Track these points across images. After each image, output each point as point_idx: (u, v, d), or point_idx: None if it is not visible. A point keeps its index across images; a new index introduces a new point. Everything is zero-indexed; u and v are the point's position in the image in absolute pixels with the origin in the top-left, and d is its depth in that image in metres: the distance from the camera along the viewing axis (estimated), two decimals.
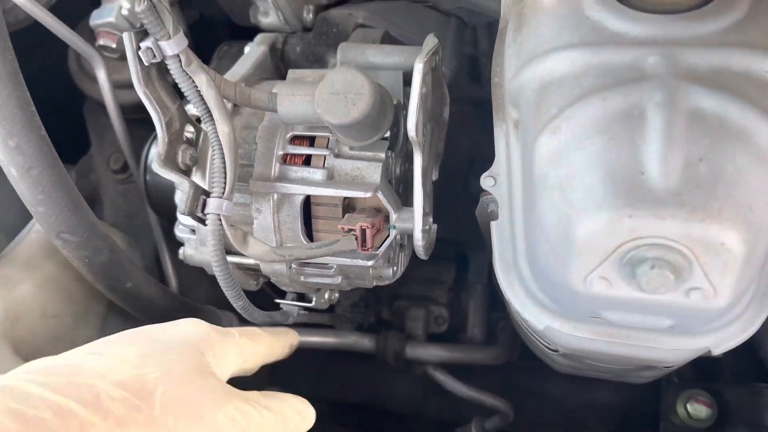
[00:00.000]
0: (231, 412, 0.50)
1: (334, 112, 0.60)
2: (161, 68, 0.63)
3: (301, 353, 1.05)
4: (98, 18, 0.89)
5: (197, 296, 0.99)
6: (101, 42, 0.90)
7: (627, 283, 0.47)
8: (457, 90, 0.84)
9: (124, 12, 0.57)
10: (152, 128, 1.00)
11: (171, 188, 0.77)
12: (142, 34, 0.60)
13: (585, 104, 0.48)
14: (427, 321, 1.06)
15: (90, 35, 0.94)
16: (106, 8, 0.89)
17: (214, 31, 1.09)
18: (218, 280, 0.63)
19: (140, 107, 0.99)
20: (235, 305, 0.66)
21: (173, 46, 0.59)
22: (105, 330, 0.77)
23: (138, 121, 0.95)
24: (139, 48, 0.60)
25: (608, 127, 0.46)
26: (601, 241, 0.46)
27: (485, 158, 1.11)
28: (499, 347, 1.04)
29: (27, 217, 0.98)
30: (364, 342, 1.03)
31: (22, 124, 0.58)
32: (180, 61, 0.60)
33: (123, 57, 0.92)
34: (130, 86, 0.95)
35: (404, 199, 0.72)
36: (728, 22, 0.50)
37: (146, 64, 0.60)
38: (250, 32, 0.97)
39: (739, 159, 0.44)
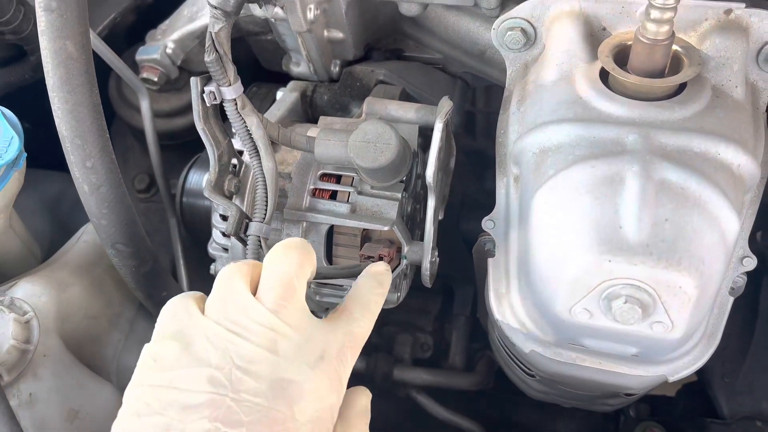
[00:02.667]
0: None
1: (364, 158, 0.71)
2: (217, 109, 0.73)
3: None
4: (144, 54, 0.99)
5: None
6: (144, 75, 1.00)
7: (604, 315, 0.58)
8: (454, 132, 0.96)
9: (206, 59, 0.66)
10: (178, 154, 1.10)
11: (205, 211, 0.87)
12: (206, 79, 0.71)
13: (577, 169, 0.60)
14: (413, 346, 1.17)
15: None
16: (151, 47, 0.99)
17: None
18: None
19: (169, 135, 1.09)
20: None
21: (232, 91, 0.70)
22: (133, 333, 0.85)
23: (166, 147, 1.05)
24: (203, 91, 0.70)
25: (595, 189, 0.58)
26: (585, 279, 0.57)
27: (474, 201, 1.23)
28: (478, 375, 1.14)
29: (54, 224, 1.07)
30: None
31: (99, 149, 0.67)
32: (236, 104, 0.71)
33: (162, 89, 1.03)
34: (165, 116, 1.06)
35: (411, 232, 0.83)
36: (692, 111, 0.63)
37: (207, 105, 0.71)
38: (273, 75, 1.08)
39: (695, 222, 0.56)
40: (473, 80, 1.01)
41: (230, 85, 0.70)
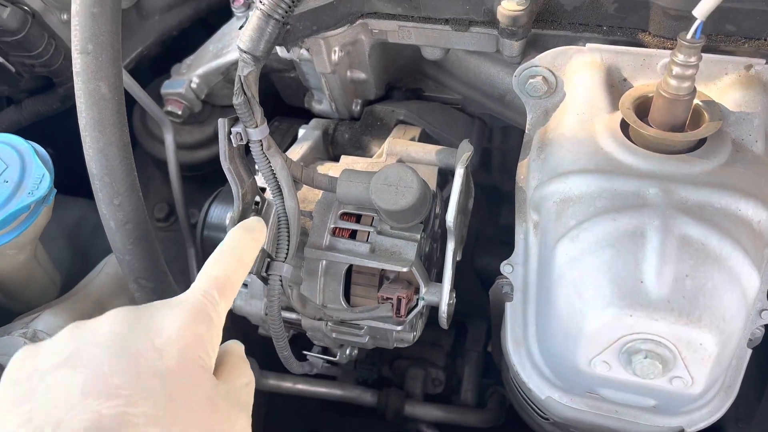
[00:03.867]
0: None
1: (386, 200, 0.72)
2: (242, 148, 0.75)
3: (295, 401, 1.14)
4: (169, 88, 1.01)
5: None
6: (169, 108, 1.02)
7: (624, 368, 0.59)
8: (471, 166, 0.97)
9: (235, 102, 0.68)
10: (199, 184, 1.11)
11: None
12: (233, 120, 0.72)
13: (599, 221, 0.61)
14: (425, 381, 1.16)
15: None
16: (176, 81, 1.01)
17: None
18: (271, 331, 0.74)
19: (191, 167, 1.11)
20: (280, 354, 0.77)
21: (258, 133, 0.71)
22: None
23: (187, 177, 1.06)
24: (230, 132, 0.72)
25: (616, 242, 0.59)
26: (606, 332, 0.58)
27: (489, 237, 1.24)
28: (489, 412, 1.14)
29: (74, 250, 1.08)
30: (366, 396, 1.13)
31: (126, 186, 0.68)
32: (262, 145, 0.72)
33: (185, 122, 1.05)
34: (188, 148, 1.07)
35: (428, 271, 0.84)
36: (712, 165, 0.64)
37: (234, 145, 0.72)
38: (293, 109, 1.10)
39: (716, 278, 0.57)
40: (491, 120, 1.02)
41: (257, 126, 0.71)
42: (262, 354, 1.05)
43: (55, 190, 0.73)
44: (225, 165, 0.73)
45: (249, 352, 1.00)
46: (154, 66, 1.14)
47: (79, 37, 0.65)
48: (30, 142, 0.75)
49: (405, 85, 1.00)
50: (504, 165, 1.17)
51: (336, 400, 1.12)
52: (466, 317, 1.21)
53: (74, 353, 0.46)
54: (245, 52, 0.68)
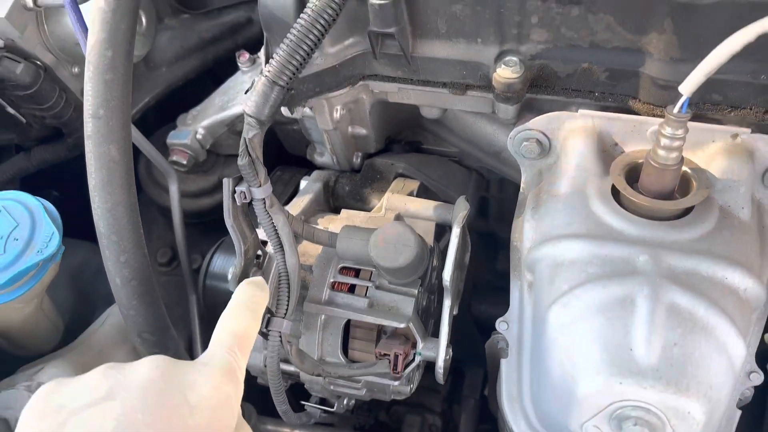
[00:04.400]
0: None
1: (384, 258, 0.74)
2: (246, 206, 0.77)
3: None
4: (175, 138, 1.04)
5: None
6: (174, 158, 1.04)
7: None
8: (468, 219, 0.99)
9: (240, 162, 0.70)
10: (201, 231, 1.13)
11: (227, 295, 0.89)
12: (237, 179, 0.75)
13: (590, 288, 0.62)
14: (421, 428, 1.17)
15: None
16: (182, 131, 1.04)
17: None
18: (270, 386, 0.75)
19: (195, 215, 1.13)
20: (278, 408, 0.78)
21: (262, 192, 0.74)
22: None
23: (190, 224, 1.08)
24: (234, 191, 0.74)
25: (607, 309, 0.61)
26: (596, 399, 0.59)
27: (486, 283, 1.25)
28: None
29: (76, 293, 1.09)
30: None
31: (133, 244, 0.71)
32: (265, 203, 0.75)
33: (189, 171, 1.07)
34: (191, 196, 1.10)
35: (425, 323, 0.86)
36: (700, 232, 0.66)
37: (238, 204, 0.74)
38: (295, 157, 1.12)
39: (704, 347, 0.58)
40: (488, 173, 1.05)
41: (260, 186, 0.73)
42: (261, 401, 1.06)
43: (63, 248, 0.75)
44: (229, 222, 0.75)
45: (247, 399, 1.01)
46: (160, 113, 1.17)
47: (91, 102, 0.67)
48: (40, 199, 0.77)
49: (404, 138, 1.03)
50: (501, 213, 1.19)
51: None
52: (463, 363, 1.22)
53: (109, 394, 0.47)
54: (250, 116, 0.70)
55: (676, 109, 0.62)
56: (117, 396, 0.47)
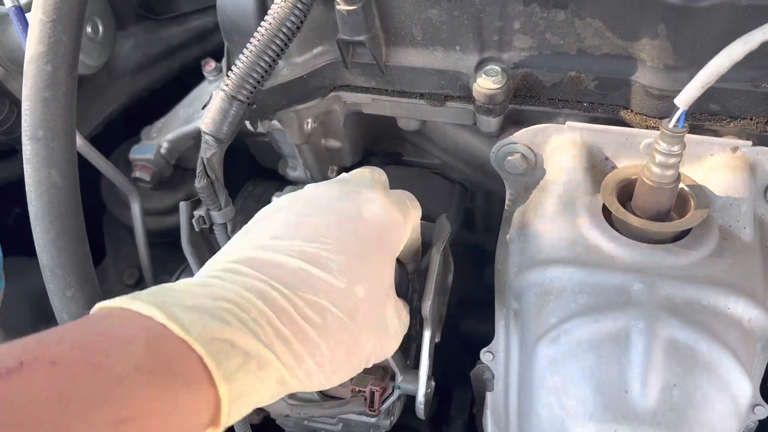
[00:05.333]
0: (394, 310, 0.54)
1: None
2: (206, 232, 0.71)
3: None
4: (138, 153, 0.97)
5: None
6: (137, 174, 0.98)
7: None
8: (451, 235, 0.94)
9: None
10: (170, 250, 1.07)
11: None
12: (196, 203, 0.69)
13: (580, 322, 0.57)
14: None
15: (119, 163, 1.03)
16: (146, 146, 0.97)
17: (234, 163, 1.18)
18: (235, 426, 0.69)
19: (162, 233, 1.07)
20: None
21: (222, 216, 0.68)
22: None
23: (158, 244, 1.02)
24: (192, 216, 0.68)
25: (599, 346, 0.55)
26: None
27: (474, 299, 1.19)
28: None
29: (39, 316, 1.03)
30: None
31: (79, 278, 0.64)
32: (226, 228, 0.69)
33: (155, 187, 1.01)
34: (157, 214, 1.03)
35: (407, 352, 0.80)
36: (699, 256, 0.61)
37: (197, 230, 0.68)
38: (268, 170, 1.06)
39: (706, 387, 0.53)
40: (472, 185, 0.99)
41: (221, 209, 0.67)
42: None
43: (3, 282, 0.69)
44: (187, 250, 0.70)
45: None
46: (126, 125, 1.11)
47: (29, 123, 0.61)
48: None
49: (383, 150, 0.97)
50: (487, 224, 1.14)
51: None
52: (450, 384, 1.17)
53: (289, 204, 0.53)
54: (208, 134, 0.64)
55: (671, 123, 0.57)
56: (295, 205, 0.53)
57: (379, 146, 0.97)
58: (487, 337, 1.20)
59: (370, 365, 0.53)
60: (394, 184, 0.90)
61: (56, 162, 0.62)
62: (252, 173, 1.08)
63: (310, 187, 0.57)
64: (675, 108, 0.57)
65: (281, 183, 0.98)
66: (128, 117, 1.08)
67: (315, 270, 0.47)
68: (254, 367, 0.41)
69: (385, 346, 0.54)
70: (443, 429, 1.16)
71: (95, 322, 0.39)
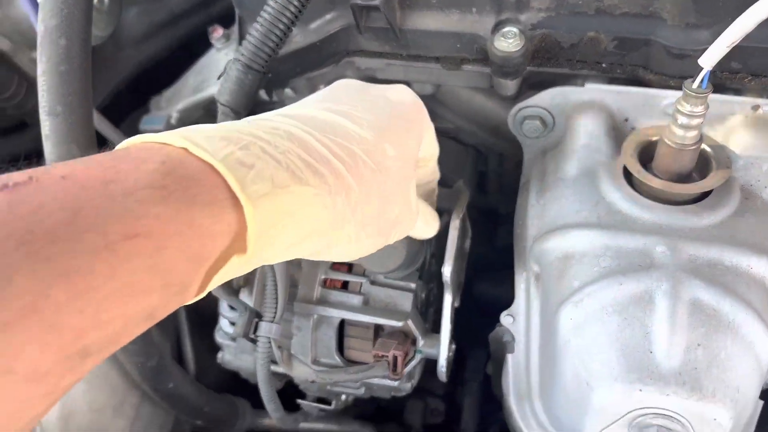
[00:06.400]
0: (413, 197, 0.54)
1: (373, 263, 0.69)
2: None
3: None
4: (148, 124, 0.96)
5: (210, 376, 1.05)
6: None
7: None
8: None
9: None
10: None
11: (212, 295, 0.84)
12: None
13: (604, 285, 0.57)
14: (424, 412, 1.14)
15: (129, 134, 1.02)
16: (155, 117, 0.96)
17: None
18: (262, 393, 0.70)
19: None
20: (272, 415, 0.74)
21: None
22: (138, 419, 0.82)
23: None
24: None
25: (623, 309, 0.56)
26: (614, 407, 0.55)
27: (487, 262, 1.20)
28: None
29: None
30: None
31: None
32: None
33: None
34: None
35: (425, 316, 0.81)
36: (721, 217, 0.61)
37: None
38: None
39: (729, 347, 0.54)
40: (486, 148, 0.98)
41: None
42: (257, 393, 1.02)
43: None
44: None
45: (242, 393, 0.96)
46: (132, 97, 1.09)
47: (47, 98, 0.61)
48: None
49: None
50: (501, 187, 1.13)
51: None
52: (465, 346, 1.18)
53: (316, 94, 0.53)
54: (225, 105, 0.64)
55: (695, 84, 0.56)
56: (318, 93, 0.53)
57: None
58: (500, 300, 1.20)
59: (393, 240, 0.52)
60: None
61: (75, 137, 0.61)
62: None
63: (335, 83, 0.56)
64: (698, 68, 0.56)
65: None
66: (135, 88, 1.07)
67: (346, 121, 0.47)
68: (286, 194, 0.38)
69: (408, 220, 0.53)
70: (458, 390, 1.18)
71: (112, 152, 0.37)
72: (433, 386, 1.16)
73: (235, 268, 0.38)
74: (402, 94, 0.55)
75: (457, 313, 0.87)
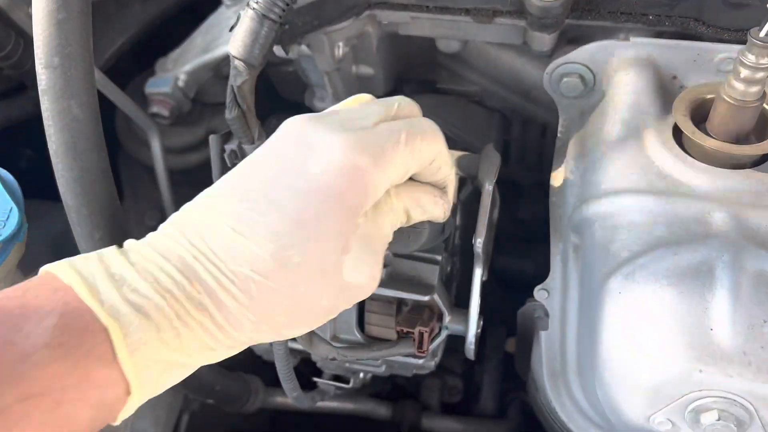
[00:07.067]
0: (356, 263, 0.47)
1: (396, 243, 0.63)
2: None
3: (306, 417, 1.06)
4: (154, 87, 0.91)
5: None
6: (155, 109, 0.92)
7: (690, 428, 0.51)
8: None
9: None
10: (192, 189, 1.02)
11: None
12: (226, 136, 0.63)
13: (658, 256, 0.52)
14: (441, 391, 1.09)
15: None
16: (162, 78, 0.91)
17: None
18: (279, 372, 0.66)
19: (183, 172, 1.01)
20: (289, 395, 0.69)
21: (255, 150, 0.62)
22: None
23: (179, 182, 0.97)
24: (223, 150, 0.63)
25: (679, 281, 0.51)
26: (669, 388, 0.50)
27: (508, 235, 1.15)
28: (510, 422, 1.07)
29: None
30: (380, 410, 1.06)
31: (107, 218, 0.60)
32: None
33: (173, 123, 0.95)
34: (177, 152, 0.98)
35: (449, 289, 0.76)
36: None
37: (229, 165, 0.63)
38: (290, 104, 1.00)
39: None
40: (512, 114, 0.93)
41: (253, 143, 0.62)
42: (270, 370, 0.98)
43: (26, 225, 0.64)
44: None
45: (254, 370, 0.92)
46: (136, 58, 1.04)
47: (43, 50, 0.55)
48: None
49: (416, 77, 0.90)
50: (523, 157, 1.08)
51: (349, 414, 1.05)
52: (484, 322, 1.13)
53: (255, 153, 0.48)
54: (238, 59, 0.58)
55: (763, 32, 0.50)
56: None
57: (412, 74, 0.90)
58: (522, 274, 1.15)
59: (335, 315, 0.49)
60: (427, 114, 0.85)
61: (75, 92, 0.56)
62: (274, 107, 1.02)
63: (283, 125, 0.49)
64: (758, 19, 0.50)
65: None
66: (139, 49, 1.01)
67: (239, 237, 0.43)
68: (171, 338, 0.41)
69: (350, 297, 0.49)
70: (477, 367, 1.14)
71: (24, 291, 0.40)
72: (451, 364, 1.12)
73: (131, 408, 0.41)
74: (331, 154, 0.45)
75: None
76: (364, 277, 0.48)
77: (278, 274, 0.43)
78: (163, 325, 0.40)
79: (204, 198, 0.47)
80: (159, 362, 0.41)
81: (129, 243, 0.45)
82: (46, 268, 0.42)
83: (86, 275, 0.41)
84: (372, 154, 0.45)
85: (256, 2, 0.57)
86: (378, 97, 0.87)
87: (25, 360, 0.36)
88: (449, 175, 0.53)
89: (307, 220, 0.44)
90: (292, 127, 0.48)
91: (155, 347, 0.40)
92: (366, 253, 0.47)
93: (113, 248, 0.44)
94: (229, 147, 0.62)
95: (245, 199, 0.44)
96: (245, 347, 0.46)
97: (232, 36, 0.60)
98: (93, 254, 0.43)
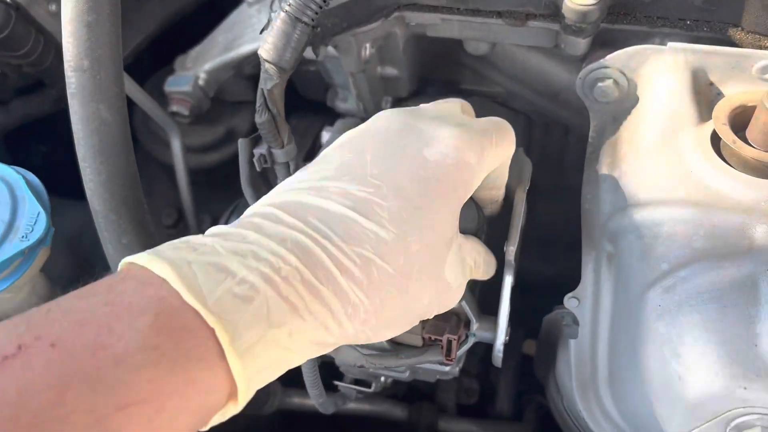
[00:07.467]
0: (457, 261, 0.48)
1: None
2: (266, 172, 0.65)
3: (320, 416, 1.06)
4: (173, 85, 0.90)
5: None
6: (174, 108, 0.91)
7: None
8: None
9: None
10: (210, 189, 1.01)
11: None
12: (256, 140, 0.62)
13: (699, 269, 0.51)
14: (458, 392, 1.09)
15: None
16: (182, 77, 0.90)
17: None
18: (305, 377, 0.65)
19: (201, 172, 1.00)
20: (315, 401, 0.68)
21: (285, 154, 0.61)
22: None
23: (196, 182, 0.96)
24: (252, 155, 0.62)
25: (723, 296, 0.50)
26: (711, 405, 0.49)
27: (526, 237, 1.14)
28: (527, 424, 1.07)
29: (74, 258, 0.99)
30: (396, 411, 1.05)
31: (135, 224, 0.59)
32: (289, 167, 0.62)
33: (193, 122, 0.94)
34: (196, 151, 0.97)
35: (473, 293, 0.75)
36: None
37: (258, 169, 0.62)
38: (309, 102, 0.99)
39: None
40: (537, 116, 0.92)
41: (283, 147, 0.61)
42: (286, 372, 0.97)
43: (53, 229, 0.63)
44: (247, 192, 0.64)
45: None
46: (155, 56, 1.02)
47: (72, 53, 0.54)
48: (20, 170, 0.64)
49: (440, 77, 0.89)
50: (544, 159, 1.07)
51: (364, 415, 1.05)
52: None
53: (349, 140, 0.48)
54: (269, 62, 0.57)
55: None
56: (354, 141, 0.47)
57: (436, 73, 0.89)
58: (539, 276, 1.14)
59: (426, 318, 0.49)
60: None
61: (104, 96, 0.55)
62: (293, 106, 1.00)
63: (376, 118, 0.50)
64: None
65: (326, 117, 0.91)
66: (157, 45, 1.00)
67: (361, 218, 0.42)
68: (283, 334, 0.37)
69: (445, 300, 0.49)
70: (492, 370, 1.13)
71: (108, 288, 0.36)
72: (467, 365, 1.11)
73: (230, 412, 0.38)
74: (446, 148, 0.46)
75: (493, 290, 0.81)
76: (456, 281, 0.48)
77: (398, 260, 0.42)
78: (276, 320, 0.37)
79: (301, 182, 0.44)
80: (268, 362, 0.37)
81: (217, 229, 0.41)
82: (129, 260, 0.38)
83: (181, 266, 0.36)
84: (476, 151, 0.47)
85: (289, 4, 0.56)
86: (403, 98, 0.87)
87: (119, 364, 0.32)
88: (505, 173, 0.56)
89: (425, 208, 0.44)
90: (395, 117, 0.48)
91: (265, 346, 0.37)
92: (456, 257, 0.48)
93: (202, 236, 0.40)
94: (258, 151, 0.61)
95: (363, 183, 0.43)
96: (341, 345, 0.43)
97: (262, 38, 0.59)
98: (180, 242, 0.39)
